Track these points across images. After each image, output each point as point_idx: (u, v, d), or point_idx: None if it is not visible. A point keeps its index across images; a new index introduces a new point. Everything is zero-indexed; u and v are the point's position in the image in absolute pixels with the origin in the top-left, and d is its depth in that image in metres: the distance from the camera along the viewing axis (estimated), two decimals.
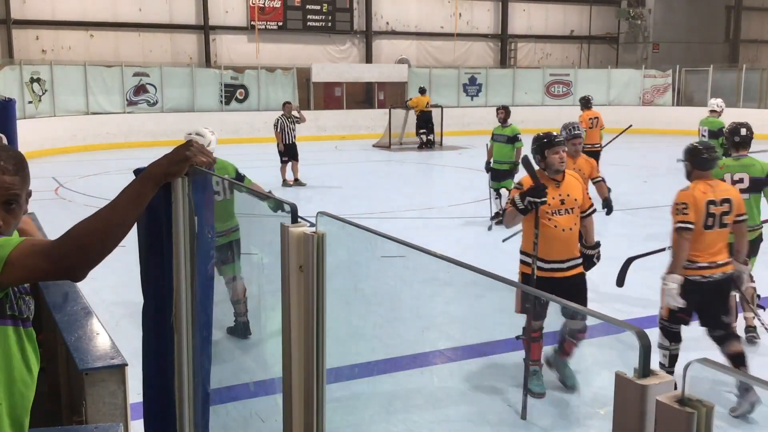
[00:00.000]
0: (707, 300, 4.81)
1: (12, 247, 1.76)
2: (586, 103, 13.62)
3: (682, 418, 0.87)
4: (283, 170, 13.99)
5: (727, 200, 4.82)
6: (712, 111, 11.20)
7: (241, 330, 5.84)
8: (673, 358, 4.95)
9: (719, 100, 11.42)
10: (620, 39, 29.70)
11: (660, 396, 0.90)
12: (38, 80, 19.81)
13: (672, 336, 4.93)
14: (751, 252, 5.71)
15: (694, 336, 6.43)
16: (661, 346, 4.96)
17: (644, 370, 0.93)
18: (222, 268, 5.38)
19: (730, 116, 14.02)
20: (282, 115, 14.09)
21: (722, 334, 4.80)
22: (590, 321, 5.86)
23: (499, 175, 10.42)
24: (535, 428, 4.59)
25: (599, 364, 5.35)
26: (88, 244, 1.76)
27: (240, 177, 6.21)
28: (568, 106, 26.37)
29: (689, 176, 4.99)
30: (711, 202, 4.76)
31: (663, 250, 7.08)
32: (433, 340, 5.80)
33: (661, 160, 16.54)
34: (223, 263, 5.34)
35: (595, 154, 10.65)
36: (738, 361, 4.72)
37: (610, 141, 12.74)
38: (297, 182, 13.96)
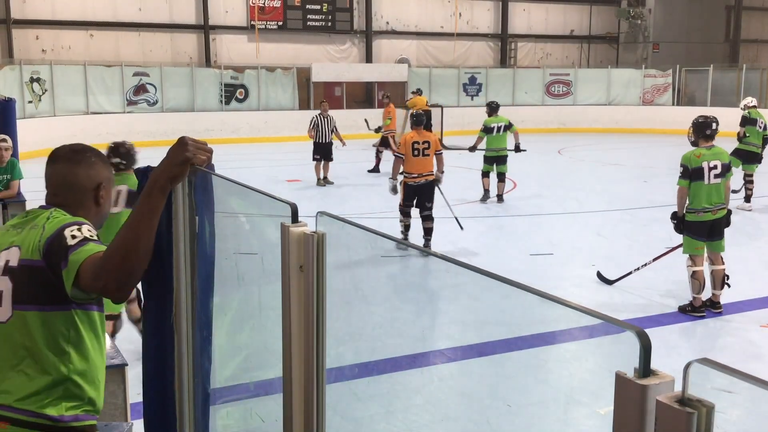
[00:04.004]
0: (419, 194, 8.75)
1: (82, 261, 1.91)
2: (387, 98, 17.60)
3: (683, 418, 0.87)
4: (316, 168, 14.03)
5: (426, 141, 8.77)
6: (754, 106, 11.85)
7: None
8: (407, 228, 8.91)
9: (753, 99, 12.39)
10: (620, 39, 29.69)
11: (660, 396, 0.90)
12: (38, 80, 19.80)
13: (405, 214, 8.91)
14: (721, 230, 6.60)
15: (694, 335, 6.44)
16: (400, 221, 8.94)
17: (644, 370, 0.93)
18: None
19: (728, 115, 14.03)
20: (318, 114, 14.15)
21: (426, 214, 8.78)
22: (590, 321, 5.84)
23: (494, 160, 12.11)
24: (534, 429, 4.59)
25: (599, 364, 5.35)
26: (115, 266, 1.84)
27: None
28: (569, 106, 26.40)
29: (412, 127, 9.06)
30: (415, 142, 8.71)
31: (672, 250, 7.15)
32: (433, 340, 5.79)
33: (661, 160, 16.54)
34: None
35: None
36: (428, 233, 8.77)
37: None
38: (326, 180, 14.02)
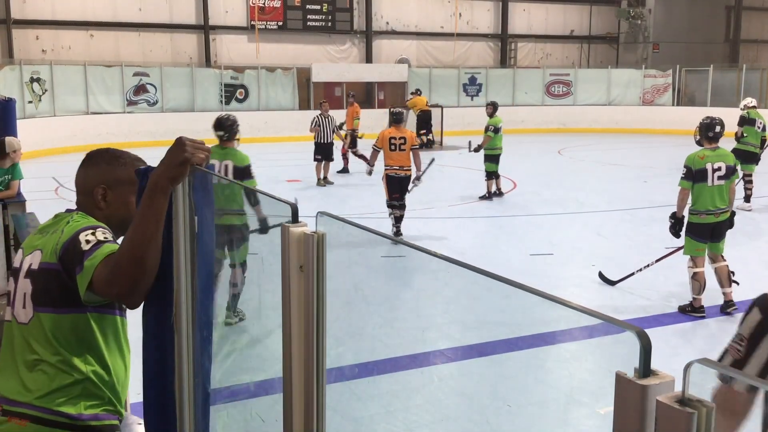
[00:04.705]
0: (399, 186, 9.38)
1: (95, 267, 1.92)
2: (352, 97, 18.17)
3: (683, 418, 0.87)
4: (317, 169, 14.06)
5: (402, 137, 9.43)
6: (753, 106, 11.94)
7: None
8: (397, 219, 9.44)
9: (753, 99, 12.51)
10: (620, 39, 29.70)
11: (660, 396, 0.90)
12: (38, 80, 19.80)
13: (392, 207, 9.47)
14: (723, 233, 6.57)
15: (694, 335, 6.44)
16: (390, 215, 9.51)
17: (644, 370, 0.92)
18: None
19: (728, 116, 14.07)
20: (319, 115, 14.21)
21: (401, 204, 9.41)
22: (590, 321, 5.84)
23: (497, 159, 12.35)
24: (534, 429, 4.59)
25: (599, 364, 5.35)
26: (125, 271, 1.86)
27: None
28: (569, 106, 26.40)
29: (390, 125, 9.91)
30: (392, 137, 9.41)
31: (674, 251, 7.14)
32: (433, 340, 5.80)
33: (661, 160, 16.54)
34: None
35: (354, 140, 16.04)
36: (398, 220, 9.40)
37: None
38: (326, 181, 14.06)
